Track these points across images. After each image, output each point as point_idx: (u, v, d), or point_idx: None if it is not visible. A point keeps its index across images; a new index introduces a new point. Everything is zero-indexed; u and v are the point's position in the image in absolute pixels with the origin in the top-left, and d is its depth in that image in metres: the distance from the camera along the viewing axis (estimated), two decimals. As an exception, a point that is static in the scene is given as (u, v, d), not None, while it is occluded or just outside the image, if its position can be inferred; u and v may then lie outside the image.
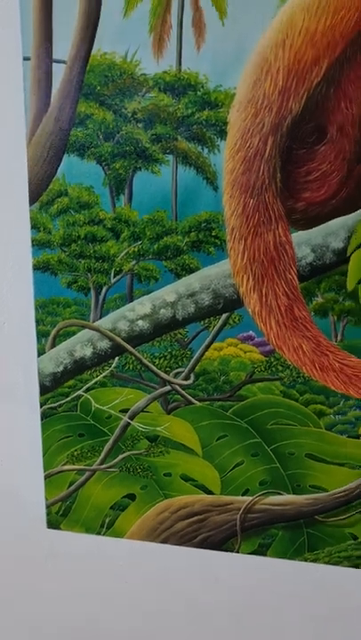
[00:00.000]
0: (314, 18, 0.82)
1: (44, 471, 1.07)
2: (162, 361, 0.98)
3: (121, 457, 1.02)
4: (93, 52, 0.89)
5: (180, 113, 0.89)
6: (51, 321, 1.00)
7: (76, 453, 1.05)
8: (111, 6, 0.87)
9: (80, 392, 1.02)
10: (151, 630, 1.10)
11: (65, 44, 0.89)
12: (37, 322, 0.99)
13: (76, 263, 0.97)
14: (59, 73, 0.90)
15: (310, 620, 1.01)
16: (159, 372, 0.99)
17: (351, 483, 0.95)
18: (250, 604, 1.04)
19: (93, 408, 1.02)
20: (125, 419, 1.01)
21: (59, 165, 0.94)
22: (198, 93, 0.87)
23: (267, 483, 0.98)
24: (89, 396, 1.02)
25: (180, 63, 0.87)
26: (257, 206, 0.88)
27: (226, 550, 1.02)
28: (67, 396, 1.02)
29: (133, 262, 0.95)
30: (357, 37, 0.82)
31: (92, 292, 0.98)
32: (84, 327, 0.99)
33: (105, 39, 0.88)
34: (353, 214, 0.87)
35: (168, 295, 0.95)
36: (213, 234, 0.91)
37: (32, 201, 0.95)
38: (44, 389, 1.03)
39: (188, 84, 0.87)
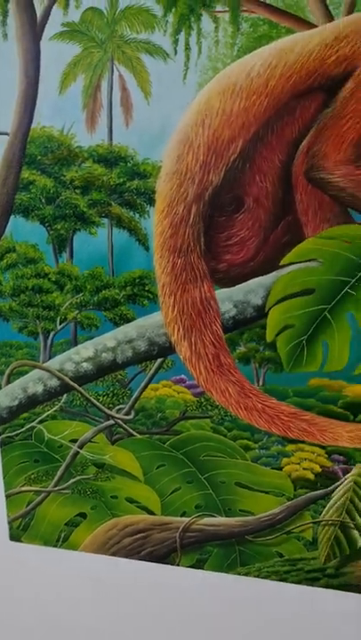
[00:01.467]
0: (229, 101, 0.98)
1: (5, 491, 1.30)
2: (105, 398, 1.18)
3: (72, 481, 1.23)
4: (33, 125, 1.06)
5: (113, 182, 1.06)
6: (5, 361, 1.20)
7: (32, 476, 1.26)
8: (48, 85, 1.03)
9: (34, 424, 1.22)
10: (105, 632, 1.33)
11: (7, 119, 1.06)
12: (-7, 362, 1.19)
13: (25, 311, 1.16)
14: (2, 144, 1.07)
15: (243, 627, 1.24)
16: (103, 408, 1.19)
17: (275, 509, 1.15)
18: (189, 612, 1.27)
19: (46, 437, 1.23)
20: (75, 448, 1.22)
21: (6, 225, 1.12)
22: (128, 165, 1.04)
23: (201, 506, 1.18)
24: (42, 427, 1.23)
25: (111, 138, 1.03)
26: (184, 266, 1.05)
27: (168, 563, 1.25)
28: (22, 427, 1.23)
29: (76, 311, 1.14)
30: (268, 120, 0.98)
31: (41, 337, 1.17)
32: (35, 367, 1.19)
33: (43, 114, 1.05)
34: (270, 275, 1.04)
35: (109, 341, 1.14)
36: (147, 288, 1.10)
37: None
38: (1, 420, 1.23)
39: (119, 156, 1.04)
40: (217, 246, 1.05)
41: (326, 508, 1.12)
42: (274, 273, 1.04)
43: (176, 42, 0.96)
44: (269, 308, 1.04)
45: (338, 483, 1.11)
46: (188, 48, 0.96)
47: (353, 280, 1.00)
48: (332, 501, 1.12)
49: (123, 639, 1.32)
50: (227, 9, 0.94)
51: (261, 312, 1.05)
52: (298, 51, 0.95)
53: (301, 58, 0.95)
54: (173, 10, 0.95)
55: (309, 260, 1.01)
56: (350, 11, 0.92)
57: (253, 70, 0.96)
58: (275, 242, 1.04)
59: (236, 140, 0.99)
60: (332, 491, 1.12)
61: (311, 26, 0.94)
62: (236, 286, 1.06)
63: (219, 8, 0.95)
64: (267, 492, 1.15)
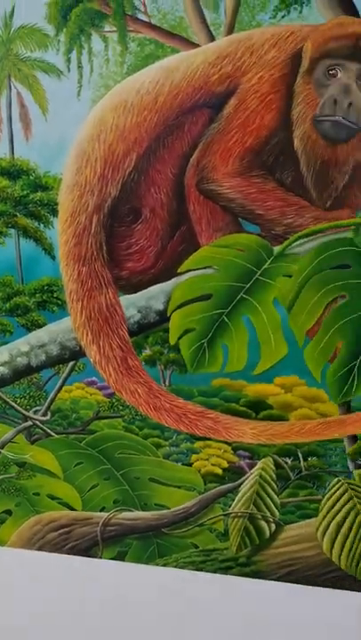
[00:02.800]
0: (122, 116, 1.11)
1: None
2: (23, 400, 1.31)
3: (-4, 479, 1.39)
4: None
5: (17, 194, 1.18)
6: None
7: None
8: None
9: None
10: (32, 624, 1.47)
11: None
12: None
13: None
14: None
15: (162, 615, 1.39)
16: (21, 409, 1.32)
17: (188, 502, 1.28)
18: (112, 602, 1.41)
19: (-32, 438, 1.38)
20: (-4, 448, 1.37)
21: None
22: (31, 178, 1.16)
23: (119, 501, 1.32)
24: (-37, 429, 1.37)
25: (12, 152, 1.16)
26: (89, 273, 1.18)
27: (90, 556, 1.37)
28: None
29: (-11, 318, 1.28)
30: (159, 135, 1.11)
31: None
32: None
33: None
34: (170, 281, 1.18)
35: (22, 346, 1.26)
36: (55, 295, 1.22)
37: None
38: None
39: (21, 169, 1.16)
40: (119, 255, 1.18)
41: (235, 501, 1.25)
42: (173, 280, 1.17)
43: (69, 60, 1.08)
44: (171, 313, 1.18)
45: (244, 477, 1.24)
46: (80, 66, 1.09)
47: (247, 285, 1.14)
48: (240, 494, 1.25)
49: (51, 630, 1.47)
50: (114, 29, 1.07)
51: (164, 316, 1.19)
52: (183, 69, 1.08)
53: (187, 76, 1.08)
54: (64, 29, 1.07)
55: (206, 268, 1.15)
56: (230, 31, 1.05)
57: (143, 88, 1.09)
58: (172, 250, 1.18)
59: (131, 153, 1.12)
60: (240, 484, 1.24)
61: (195, 45, 1.07)
62: (139, 292, 1.19)
63: (107, 28, 1.08)
64: (179, 487, 1.29)
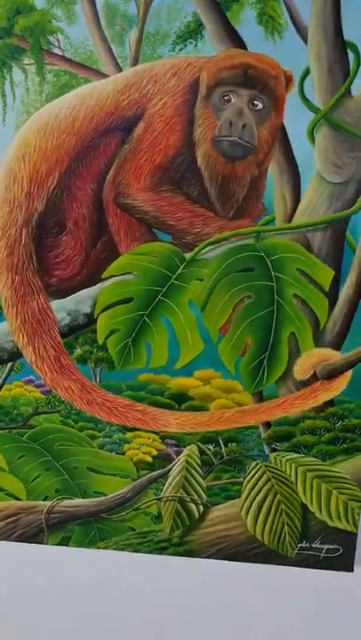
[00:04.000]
0: (44, 139, 1.24)
1: None
2: (-34, 399, 1.45)
3: None
4: None
5: None
6: None
7: None
8: None
9: None
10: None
11: None
12: None
13: None
14: None
15: (106, 596, 1.46)
16: (-35, 408, 1.48)
17: (123, 489, 1.38)
18: (59, 586, 1.51)
19: None
20: None
21: None
22: None
23: (60, 490, 1.40)
24: None
25: None
26: (22, 281, 1.29)
27: (37, 543, 1.47)
28: None
29: None
30: (78, 155, 1.24)
31: None
32: None
33: None
34: (95, 287, 1.27)
35: None
36: None
37: None
38: None
39: None
40: (48, 264, 1.30)
41: (166, 486, 1.36)
42: (98, 285, 1.27)
43: None
44: (97, 315, 1.26)
45: (172, 463, 1.35)
46: (3, 95, 1.23)
47: (164, 289, 1.25)
48: (169, 479, 1.35)
49: (5, 615, 1.62)
50: (32, 62, 1.21)
51: (91, 319, 1.28)
52: (96, 96, 1.21)
53: (100, 102, 1.21)
54: None
55: (126, 274, 1.25)
56: (135, 63, 1.19)
57: (61, 113, 1.22)
58: (95, 258, 1.30)
59: (53, 172, 1.25)
60: (169, 470, 1.35)
61: (105, 76, 1.21)
62: (68, 297, 1.29)
63: (26, 61, 1.21)
64: (114, 475, 1.38)
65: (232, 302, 1.25)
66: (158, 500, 1.39)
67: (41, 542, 1.48)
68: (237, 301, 1.25)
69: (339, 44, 1.16)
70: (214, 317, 1.25)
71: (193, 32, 1.17)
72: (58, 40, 1.20)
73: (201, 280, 1.24)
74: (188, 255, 1.25)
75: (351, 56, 1.17)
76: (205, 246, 1.24)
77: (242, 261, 1.24)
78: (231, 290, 1.25)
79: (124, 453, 1.38)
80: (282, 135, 1.22)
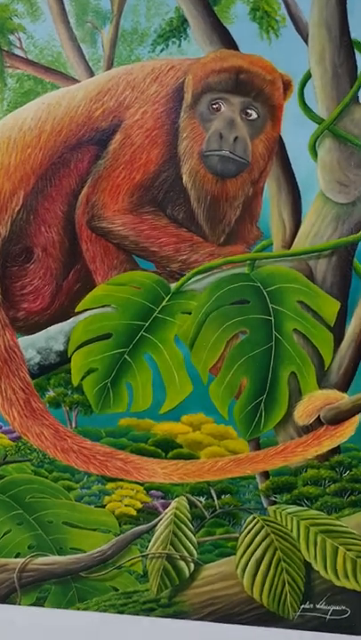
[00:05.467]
0: (6, 154, 1.13)
1: None
2: None
3: None
4: None
5: None
6: None
7: None
8: None
9: None
10: None
11: None
12: None
13: None
14: None
15: None
16: None
17: (104, 545, 1.30)
18: None
19: None
20: None
21: None
22: None
23: (34, 546, 1.33)
24: None
25: None
26: None
27: (9, 604, 1.38)
28: None
29: None
30: (45, 172, 1.14)
31: None
32: None
33: None
34: (68, 321, 1.20)
35: None
36: None
37: None
38: None
39: None
40: (14, 296, 1.21)
41: (152, 542, 1.27)
42: (72, 319, 1.20)
43: None
44: (72, 354, 1.20)
45: (159, 517, 1.27)
46: None
47: (147, 323, 1.17)
48: (156, 535, 1.27)
49: None
50: None
51: (64, 357, 1.21)
52: (65, 105, 1.11)
53: (69, 112, 1.11)
54: None
55: (104, 306, 1.18)
56: (109, 66, 1.09)
57: (25, 124, 1.12)
58: (68, 289, 1.21)
59: (18, 192, 1.15)
60: (155, 525, 1.27)
61: (75, 81, 1.10)
62: (38, 333, 1.22)
63: None
64: (94, 530, 1.31)
65: (224, 338, 1.17)
66: (144, 556, 1.31)
67: (13, 603, 1.40)
68: (230, 337, 1.18)
69: (344, 43, 1.10)
70: (204, 355, 1.18)
71: (176, 30, 1.09)
72: (20, 40, 1.10)
73: (189, 313, 1.18)
74: (173, 286, 1.18)
75: (359, 58, 1.12)
76: (193, 275, 1.17)
77: (235, 293, 1.17)
78: (223, 325, 1.17)
79: (104, 506, 1.31)
80: (280, 149, 1.16)
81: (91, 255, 1.17)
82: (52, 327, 1.21)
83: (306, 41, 1.10)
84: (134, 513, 1.29)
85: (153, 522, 1.29)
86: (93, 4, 1.06)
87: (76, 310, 1.19)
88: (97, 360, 1.19)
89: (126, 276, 1.17)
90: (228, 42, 1.10)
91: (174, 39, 1.08)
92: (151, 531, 1.29)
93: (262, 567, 1.24)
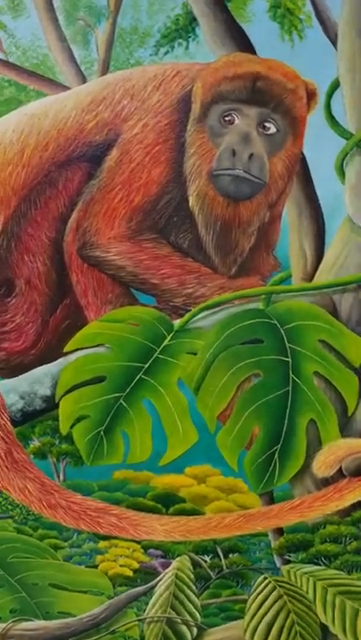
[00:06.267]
0: None
1: None
2: None
3: None
4: None
5: None
6: None
7: None
8: None
9: None
10: None
11: None
12: None
13: None
14: None
15: None
16: None
17: (96, 609, 1.18)
18: None
19: None
20: None
21: None
22: None
23: (17, 611, 1.21)
24: None
25: None
26: None
27: None
28: None
29: None
30: (29, 193, 1.03)
31: None
32: None
33: None
34: (56, 362, 1.09)
35: None
36: None
37: None
38: None
39: None
40: None
41: (150, 605, 1.17)
42: (60, 360, 1.09)
43: None
44: (60, 399, 1.09)
45: (158, 578, 1.17)
46: None
47: (146, 365, 1.07)
48: (155, 597, 1.17)
49: None
50: None
51: (51, 403, 1.10)
52: (52, 116, 1.01)
53: (57, 123, 1.01)
54: None
55: (97, 346, 1.07)
56: (105, 70, 0.99)
57: (5, 138, 1.02)
58: (56, 326, 1.11)
59: None
60: (154, 586, 1.17)
61: (64, 88, 1.00)
62: (21, 376, 1.10)
63: None
64: (85, 592, 1.20)
65: (235, 382, 1.09)
66: (141, 620, 1.21)
67: (-6, 672, 1.33)
68: (242, 381, 1.10)
69: (380, 46, 1.05)
70: (212, 401, 1.10)
71: (183, 29, 1.01)
72: None
73: (194, 354, 1.10)
74: (176, 322, 1.11)
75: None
76: (200, 311, 1.09)
77: (248, 331, 1.10)
78: (234, 366, 1.10)
79: (96, 566, 1.22)
80: (301, 168, 1.09)
81: (82, 288, 1.08)
82: (38, 369, 1.11)
83: (334, 43, 1.03)
84: (130, 573, 1.20)
85: (151, 583, 1.19)
86: (87, -3, 0.98)
87: (64, 350, 1.10)
88: (88, 406, 1.09)
89: (123, 311, 1.09)
90: (243, 44, 1.04)
91: (181, 40, 1.00)
92: (149, 593, 1.19)
93: (274, 631, 1.16)
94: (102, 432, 1.10)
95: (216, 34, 0.99)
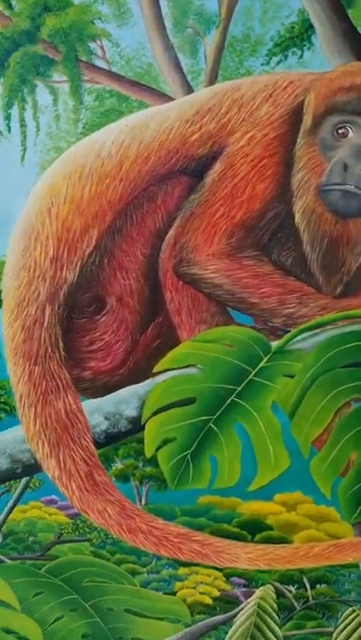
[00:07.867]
0: (78, 185, 0.95)
1: None
2: (-33, 522, 1.14)
3: None
4: None
5: None
6: None
7: None
8: None
9: None
10: None
11: None
12: None
13: None
14: None
15: None
16: (-35, 532, 1.14)
17: (172, 636, 1.12)
18: None
19: None
20: None
21: None
22: (-32, 259, 0.99)
23: (88, 636, 1.15)
24: None
25: None
26: (43, 374, 1.00)
27: None
28: None
29: None
30: (125, 208, 0.96)
31: None
32: None
33: None
34: (144, 383, 1.01)
35: (-36, 459, 1.09)
36: (2, 400, 1.06)
37: None
38: None
39: None
40: (79, 352, 1.02)
41: (229, 634, 1.11)
42: (148, 381, 1.02)
43: (9, 117, 0.90)
44: (146, 421, 1.01)
45: (240, 607, 1.12)
46: (23, 124, 0.93)
47: (239, 387, 0.99)
48: (235, 627, 1.11)
49: None
50: (65, 78, 0.91)
51: (137, 424, 1.02)
52: (154, 127, 0.94)
53: (159, 135, 0.94)
54: (1, 79, 0.88)
55: (188, 367, 1.00)
56: (212, 81, 0.91)
57: (104, 150, 0.95)
58: (145, 346, 1.03)
59: (90, 231, 0.96)
60: (235, 615, 1.11)
61: (168, 98, 0.93)
62: (106, 396, 1.03)
63: (56, 77, 0.93)
64: (161, 619, 1.14)
65: (333, 407, 1.00)
66: None
67: None
68: (341, 406, 1.01)
69: None
70: (307, 426, 1.01)
71: (298, 37, 0.93)
72: (102, 48, 0.92)
73: (291, 377, 1.02)
74: (274, 344, 1.02)
75: None
76: (300, 332, 1.00)
77: (350, 354, 1.00)
78: (333, 391, 1.01)
79: (175, 593, 1.18)
80: None
81: (175, 306, 1.00)
82: (124, 390, 1.03)
83: None
84: (210, 601, 1.15)
85: (232, 612, 1.13)
86: (197, 4, 0.90)
87: (154, 371, 1.01)
88: (176, 428, 1.01)
89: (217, 331, 1.00)
90: (361, 53, 0.97)
91: (295, 49, 0.92)
92: (229, 622, 1.13)
93: (359, 665, 1.10)
94: (189, 456, 1.02)
95: (333, 42, 0.91)
